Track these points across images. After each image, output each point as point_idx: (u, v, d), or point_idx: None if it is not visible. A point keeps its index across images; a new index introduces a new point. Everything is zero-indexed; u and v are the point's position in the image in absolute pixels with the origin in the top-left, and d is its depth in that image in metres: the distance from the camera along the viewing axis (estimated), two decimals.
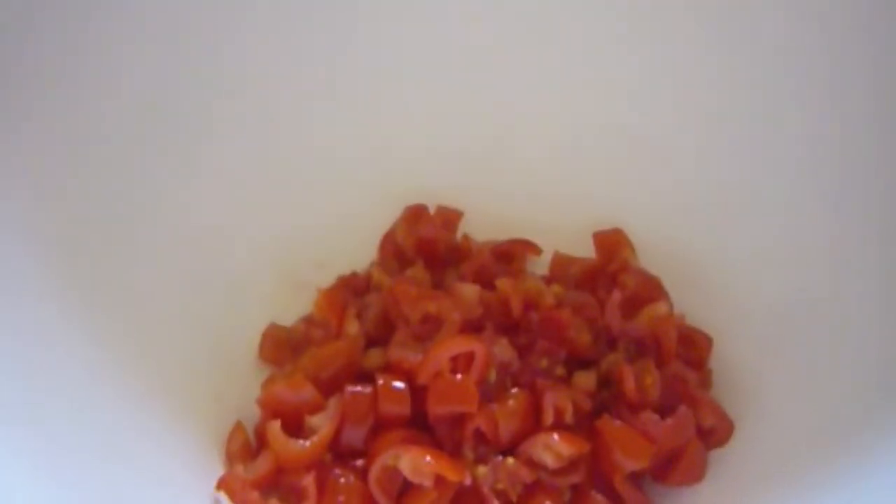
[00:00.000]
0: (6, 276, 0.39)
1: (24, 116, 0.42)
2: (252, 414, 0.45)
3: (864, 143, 0.43)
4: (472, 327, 0.44)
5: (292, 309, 0.49)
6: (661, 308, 0.46)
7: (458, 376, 0.42)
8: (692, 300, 0.48)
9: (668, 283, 0.49)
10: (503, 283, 0.46)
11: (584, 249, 0.52)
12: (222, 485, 0.41)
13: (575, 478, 0.42)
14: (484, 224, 0.52)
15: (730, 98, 0.48)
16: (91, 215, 0.44)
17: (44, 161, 0.42)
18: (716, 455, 0.44)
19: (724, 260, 0.48)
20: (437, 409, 0.42)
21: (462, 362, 0.42)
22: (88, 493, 0.35)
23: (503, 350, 0.43)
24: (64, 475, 0.35)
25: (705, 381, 0.46)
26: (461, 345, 0.42)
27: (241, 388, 0.46)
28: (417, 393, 0.42)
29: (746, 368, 0.46)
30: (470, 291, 0.45)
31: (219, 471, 0.42)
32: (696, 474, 0.43)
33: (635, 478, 0.42)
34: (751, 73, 0.47)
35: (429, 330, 0.44)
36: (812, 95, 0.45)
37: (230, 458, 0.43)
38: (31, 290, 0.40)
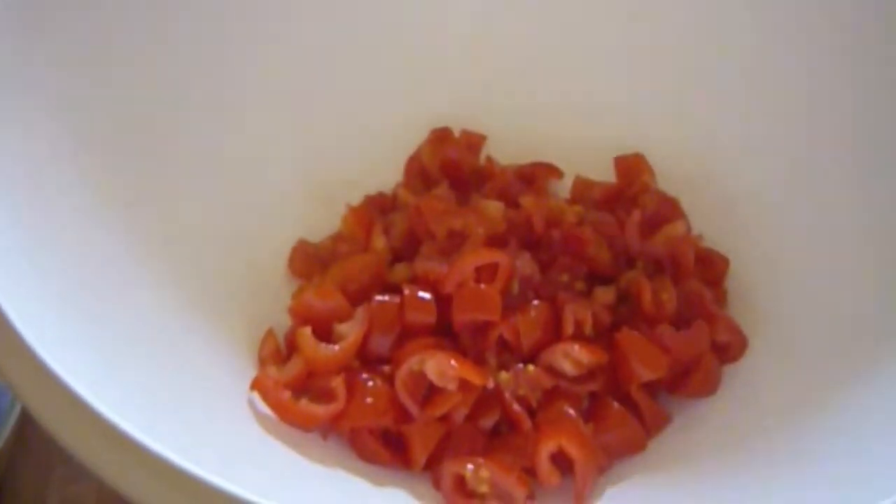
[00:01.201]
0: (50, 186, 0.40)
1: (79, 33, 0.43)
2: (282, 325, 0.47)
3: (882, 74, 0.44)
4: (496, 242, 0.46)
5: (321, 226, 0.51)
6: (679, 228, 0.48)
7: (483, 286, 0.43)
8: (710, 224, 0.50)
9: (686, 207, 0.50)
10: (527, 201, 0.47)
11: (604, 176, 0.53)
12: (256, 385, 0.42)
13: (593, 386, 0.43)
14: (506, 148, 0.54)
15: (750, 24, 0.48)
16: (131, 133, 0.45)
17: (87, 79, 0.43)
18: (729, 370, 0.45)
19: (741, 186, 0.49)
20: (462, 316, 0.43)
21: (486, 273, 0.44)
22: (131, 381, 0.36)
23: (525, 264, 0.45)
24: (112, 362, 0.36)
25: (721, 299, 0.47)
26: (486, 256, 0.44)
27: (272, 299, 0.48)
28: (442, 303, 0.44)
29: (761, 290, 0.47)
30: (494, 208, 0.47)
31: (251, 375, 0.44)
32: (710, 387, 0.44)
33: (651, 388, 0.44)
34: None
35: (454, 245, 0.46)
36: (837, 25, 0.46)
37: (262, 363, 0.44)
38: (72, 199, 0.41)
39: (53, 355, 0.31)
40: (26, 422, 0.46)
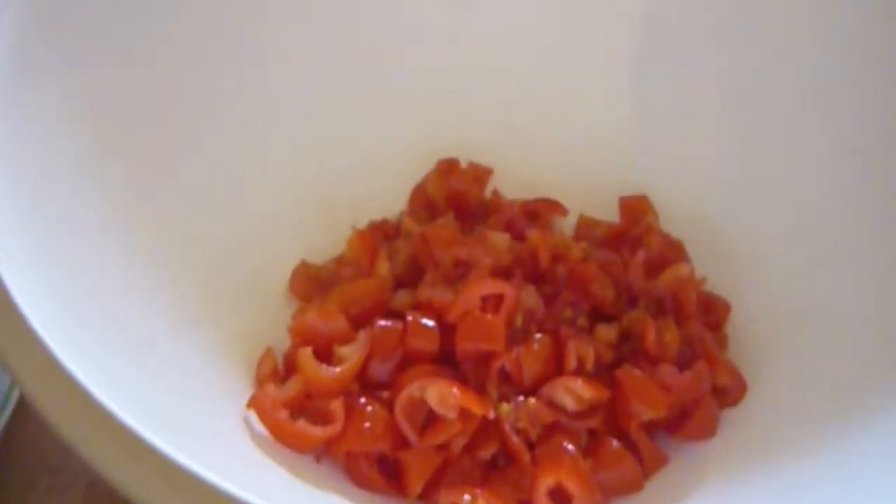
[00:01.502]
0: (56, 187, 0.40)
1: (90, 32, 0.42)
2: (280, 345, 0.46)
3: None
4: (501, 274, 0.45)
5: (322, 249, 0.50)
6: (682, 270, 0.48)
7: (488, 316, 0.43)
8: (712, 267, 0.50)
9: (689, 250, 0.50)
10: (533, 235, 0.47)
11: (607, 216, 0.53)
12: (253, 403, 0.41)
13: (592, 422, 0.43)
14: (512, 184, 0.54)
15: (758, 69, 0.49)
16: (142, 141, 0.45)
17: (97, 84, 0.43)
18: (727, 414, 0.45)
19: (745, 230, 0.50)
20: (465, 345, 0.43)
21: (491, 304, 0.44)
22: (127, 397, 0.35)
23: (530, 296, 0.45)
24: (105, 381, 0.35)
25: (722, 343, 0.47)
26: (492, 286, 0.43)
27: (270, 319, 0.47)
28: (444, 332, 0.44)
29: (761, 335, 0.47)
30: (500, 239, 0.47)
31: (247, 393, 0.43)
32: (709, 430, 0.44)
33: (650, 428, 0.44)
34: (781, 43, 0.48)
35: (458, 274, 0.46)
36: (846, 67, 0.46)
37: (260, 381, 0.44)
38: (75, 204, 0.41)
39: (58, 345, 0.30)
40: (14, 429, 0.45)
